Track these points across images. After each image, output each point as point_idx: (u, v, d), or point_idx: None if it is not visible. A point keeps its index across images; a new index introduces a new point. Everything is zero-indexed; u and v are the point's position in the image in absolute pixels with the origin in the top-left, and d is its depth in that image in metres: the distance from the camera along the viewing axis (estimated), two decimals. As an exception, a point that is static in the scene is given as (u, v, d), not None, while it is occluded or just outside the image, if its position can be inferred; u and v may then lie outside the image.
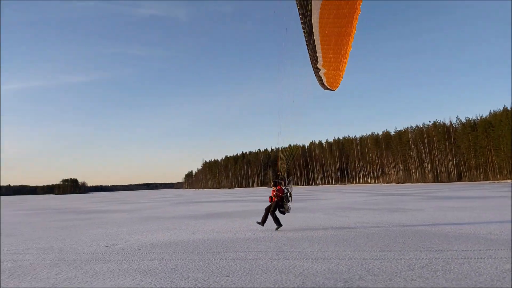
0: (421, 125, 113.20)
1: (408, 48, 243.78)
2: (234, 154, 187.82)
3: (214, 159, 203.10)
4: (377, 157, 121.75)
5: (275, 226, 10.83)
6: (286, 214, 11.17)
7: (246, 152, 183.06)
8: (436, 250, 7.33)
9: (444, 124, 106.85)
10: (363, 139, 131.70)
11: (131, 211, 23.87)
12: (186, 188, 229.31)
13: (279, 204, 10.69)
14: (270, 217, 10.89)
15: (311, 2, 8.02)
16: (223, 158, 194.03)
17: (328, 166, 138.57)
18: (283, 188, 10.81)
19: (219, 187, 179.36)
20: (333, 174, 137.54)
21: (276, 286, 5.18)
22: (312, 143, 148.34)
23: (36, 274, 6.53)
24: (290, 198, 10.83)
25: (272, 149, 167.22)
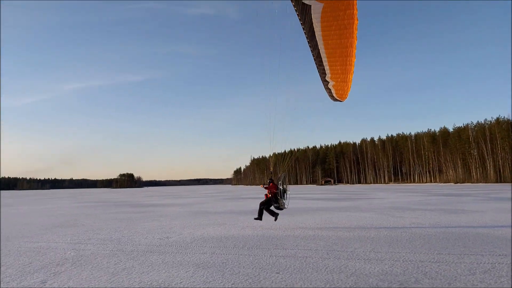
0: (482, 122, 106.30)
1: (468, 38, 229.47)
2: (282, 151, 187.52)
3: (262, 156, 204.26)
4: (434, 155, 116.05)
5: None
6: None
7: (294, 149, 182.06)
8: (500, 255, 6.85)
9: (508, 120, 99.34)
10: (418, 136, 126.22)
11: (183, 206, 24.65)
12: (234, 184, 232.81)
13: (272, 200, 10.90)
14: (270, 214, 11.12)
15: (311, 16, 8.32)
16: (271, 155, 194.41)
17: (380, 164, 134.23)
18: (278, 185, 10.97)
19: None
20: (386, 172, 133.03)
21: (328, 286, 5.10)
22: (363, 141, 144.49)
23: (96, 263, 6.94)
24: (285, 195, 11.04)
25: (321, 146, 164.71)
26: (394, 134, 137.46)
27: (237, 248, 8.10)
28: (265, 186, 11.21)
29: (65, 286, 5.33)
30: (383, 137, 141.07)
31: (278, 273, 5.84)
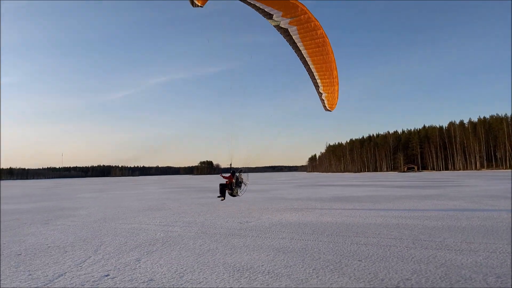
0: None
1: None
2: (360, 137, 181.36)
3: (339, 142, 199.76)
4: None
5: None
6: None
7: (373, 134, 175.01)
8: None
9: None
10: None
11: (260, 192, 25.14)
12: (309, 172, 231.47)
13: (228, 186, 12.53)
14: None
15: (292, 37, 9.58)
16: (348, 141, 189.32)
17: (471, 149, 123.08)
18: (237, 176, 12.52)
19: (344, 171, 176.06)
20: (477, 158, 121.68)
21: (415, 276, 4.84)
22: (451, 124, 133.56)
23: (183, 244, 7.37)
24: (241, 185, 12.58)
25: (403, 131, 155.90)
26: (487, 116, 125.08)
27: (316, 234, 8.04)
28: (223, 175, 13.16)
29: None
30: (474, 119, 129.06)
31: (360, 261, 5.68)
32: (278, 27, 9.48)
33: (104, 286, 4.69)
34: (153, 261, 5.95)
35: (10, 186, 63.40)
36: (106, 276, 5.16)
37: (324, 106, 11.46)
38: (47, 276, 5.22)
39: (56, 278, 5.08)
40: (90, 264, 5.85)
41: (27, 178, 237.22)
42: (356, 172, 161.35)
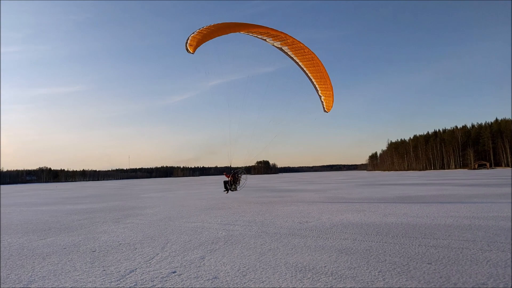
0: None
1: None
2: (425, 133, 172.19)
3: (401, 139, 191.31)
4: None
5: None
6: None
7: (439, 130, 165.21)
8: None
9: None
10: None
11: (318, 191, 24.81)
12: (370, 170, 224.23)
13: (229, 182, 15.93)
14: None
15: (288, 53, 11.98)
16: (411, 137, 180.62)
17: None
18: (237, 175, 16.14)
19: (408, 169, 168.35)
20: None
21: (492, 280, 4.47)
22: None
23: (245, 242, 7.47)
24: (238, 182, 16.16)
25: (472, 125, 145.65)
26: None
27: (381, 235, 7.74)
28: (227, 174, 16.44)
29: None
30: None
31: (430, 263, 5.37)
32: (275, 47, 11.83)
33: (172, 283, 4.88)
34: (216, 259, 6.09)
35: (84, 187, 68.59)
36: (173, 273, 5.36)
37: (323, 108, 13.57)
38: (120, 271, 5.55)
39: (128, 274, 5.38)
40: (158, 261, 6.12)
41: (98, 179, 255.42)
42: (421, 170, 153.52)
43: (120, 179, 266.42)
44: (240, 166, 16.06)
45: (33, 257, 6.83)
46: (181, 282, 4.89)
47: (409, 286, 4.41)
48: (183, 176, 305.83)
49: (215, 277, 5.04)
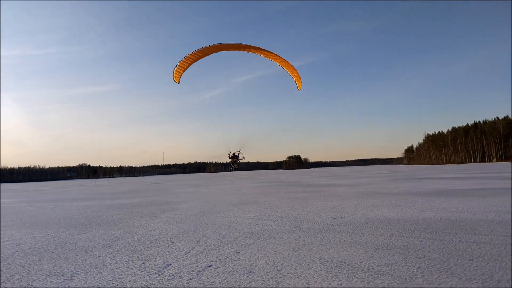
0: None
1: None
2: (464, 125, 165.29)
3: (439, 132, 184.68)
4: None
5: None
6: None
7: (479, 121, 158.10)
8: None
9: None
10: None
11: (352, 186, 24.42)
12: (406, 164, 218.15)
13: (231, 164, 18.74)
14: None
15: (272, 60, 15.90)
16: (450, 129, 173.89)
17: None
18: (235, 157, 18.68)
19: (446, 163, 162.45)
20: None
21: (542, 281, 4.24)
22: None
23: (278, 237, 7.47)
24: (237, 162, 18.73)
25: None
26: None
27: (419, 231, 7.53)
28: (230, 156, 18.72)
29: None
30: None
31: (472, 260, 5.16)
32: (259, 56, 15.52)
33: (208, 276, 4.96)
34: (251, 254, 6.13)
35: (121, 182, 70.93)
36: (209, 266, 5.46)
37: (297, 87, 17.15)
38: (158, 265, 5.70)
39: (165, 267, 5.52)
40: (194, 255, 6.25)
41: (134, 175, 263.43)
42: (460, 163, 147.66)
43: (155, 174, 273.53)
44: (238, 149, 18.85)
45: (76, 250, 7.14)
46: (217, 275, 4.97)
47: (449, 283, 4.27)
48: (215, 171, 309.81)
49: (250, 271, 5.09)
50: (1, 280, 5.20)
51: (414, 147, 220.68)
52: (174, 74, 13.80)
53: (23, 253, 7.00)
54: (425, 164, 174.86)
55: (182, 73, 13.62)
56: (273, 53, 14.87)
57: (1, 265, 6.12)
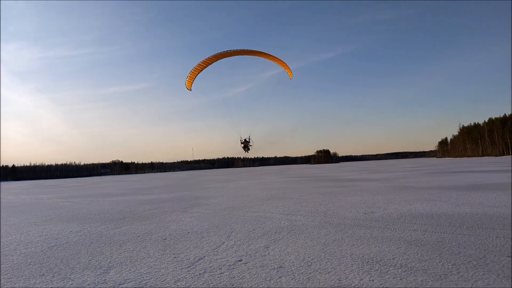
0: None
1: None
2: (501, 115, 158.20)
3: (474, 123, 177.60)
4: None
5: None
6: None
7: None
8: None
9: None
10: None
11: (383, 180, 23.94)
12: (439, 157, 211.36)
13: (244, 148, 19.79)
14: None
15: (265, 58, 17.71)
16: (486, 121, 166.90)
17: None
18: (246, 142, 19.67)
19: (482, 155, 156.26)
20: None
21: None
22: None
23: (308, 233, 7.44)
24: (248, 147, 19.68)
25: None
26: None
27: (454, 226, 7.30)
28: (242, 142, 19.86)
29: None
30: None
31: (510, 257, 4.96)
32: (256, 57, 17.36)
33: (239, 271, 5.02)
34: (280, 249, 6.15)
35: (153, 178, 72.61)
36: (240, 261, 5.51)
37: (289, 76, 18.82)
38: (189, 259, 5.82)
39: (197, 261, 5.63)
40: (225, 249, 6.33)
41: (164, 171, 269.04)
42: (497, 156, 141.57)
43: (185, 170, 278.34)
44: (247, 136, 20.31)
45: (111, 244, 7.39)
46: (248, 270, 5.02)
47: (486, 281, 4.12)
48: (244, 166, 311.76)
49: (280, 266, 5.10)
50: (42, 273, 5.47)
51: (449, 140, 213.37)
52: (186, 83, 16.62)
53: (61, 247, 7.32)
54: (460, 157, 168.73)
55: (192, 82, 16.20)
56: (266, 53, 17.14)
57: (42, 258, 6.42)
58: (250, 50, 16.50)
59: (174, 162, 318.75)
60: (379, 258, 5.24)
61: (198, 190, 24.30)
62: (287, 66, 18.01)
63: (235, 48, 16.22)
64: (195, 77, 16.01)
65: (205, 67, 15.95)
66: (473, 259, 4.96)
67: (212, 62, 15.91)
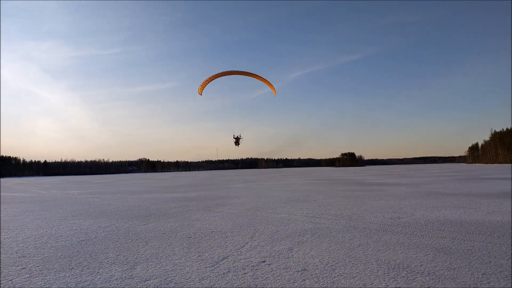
0: None
1: None
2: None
3: (507, 128, 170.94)
4: None
5: None
6: None
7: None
8: None
9: None
10: None
11: (410, 185, 23.41)
12: (470, 163, 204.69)
13: (236, 142, 20.32)
14: None
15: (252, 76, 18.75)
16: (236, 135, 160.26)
17: None
18: (238, 139, 20.19)
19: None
20: None
21: None
22: None
23: (332, 236, 7.38)
24: (239, 143, 20.17)
25: None
26: None
27: (484, 235, 7.07)
28: (234, 137, 20.31)
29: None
30: None
31: (546, 270, 4.76)
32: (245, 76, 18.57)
33: (263, 272, 5.03)
34: (304, 252, 6.12)
35: (178, 176, 73.67)
36: (263, 262, 5.53)
37: (274, 93, 20.00)
38: (213, 258, 5.88)
39: (221, 261, 5.68)
40: (248, 250, 6.36)
41: (189, 170, 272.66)
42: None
43: (209, 169, 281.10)
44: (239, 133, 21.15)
45: (138, 240, 7.56)
46: (271, 271, 5.03)
47: (520, 293, 3.97)
48: (267, 167, 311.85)
49: (304, 269, 5.08)
50: (72, 266, 5.66)
51: (479, 145, 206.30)
52: (199, 90, 19.02)
53: (90, 242, 7.54)
54: (491, 163, 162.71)
55: (203, 89, 18.86)
56: (252, 73, 18.87)
57: (71, 252, 6.65)
58: (245, 71, 18.78)
59: (198, 162, 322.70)
60: (406, 265, 5.14)
61: (222, 189, 24.49)
62: (271, 85, 19.74)
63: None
64: (205, 86, 19.10)
65: (213, 79, 19.02)
66: (505, 269, 4.80)
67: (220, 76, 18.83)
